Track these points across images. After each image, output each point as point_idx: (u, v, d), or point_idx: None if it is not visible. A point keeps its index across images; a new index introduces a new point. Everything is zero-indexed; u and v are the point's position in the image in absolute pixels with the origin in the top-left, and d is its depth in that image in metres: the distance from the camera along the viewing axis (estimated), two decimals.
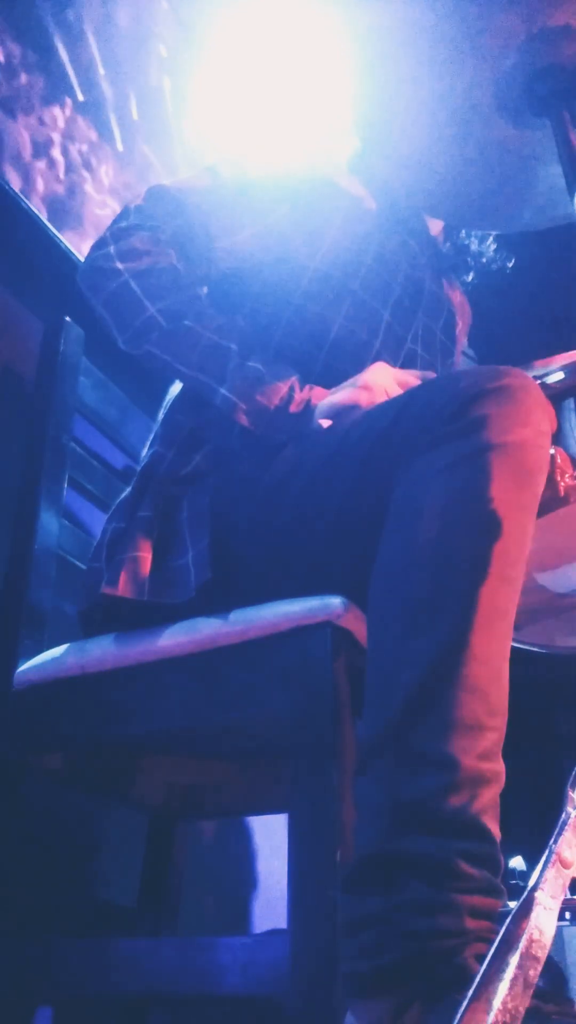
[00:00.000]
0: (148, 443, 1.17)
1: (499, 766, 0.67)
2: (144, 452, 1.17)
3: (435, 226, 1.35)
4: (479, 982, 0.44)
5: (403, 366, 1.15)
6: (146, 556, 0.98)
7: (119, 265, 1.08)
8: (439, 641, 0.69)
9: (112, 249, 1.10)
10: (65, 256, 1.53)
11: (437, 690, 0.67)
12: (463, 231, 1.37)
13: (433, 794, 0.64)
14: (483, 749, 0.66)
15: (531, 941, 0.46)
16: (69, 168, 1.70)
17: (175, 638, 0.96)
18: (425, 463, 0.79)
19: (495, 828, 0.65)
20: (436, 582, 0.72)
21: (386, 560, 0.79)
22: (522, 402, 0.79)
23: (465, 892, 0.61)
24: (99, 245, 1.12)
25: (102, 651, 1.00)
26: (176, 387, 1.19)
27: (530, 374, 0.90)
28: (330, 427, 0.99)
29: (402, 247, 1.26)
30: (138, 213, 1.13)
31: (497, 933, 0.47)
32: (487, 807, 0.65)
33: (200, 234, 1.14)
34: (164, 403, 1.20)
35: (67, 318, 1.31)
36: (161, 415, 1.18)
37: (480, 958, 0.46)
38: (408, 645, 0.70)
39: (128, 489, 1.11)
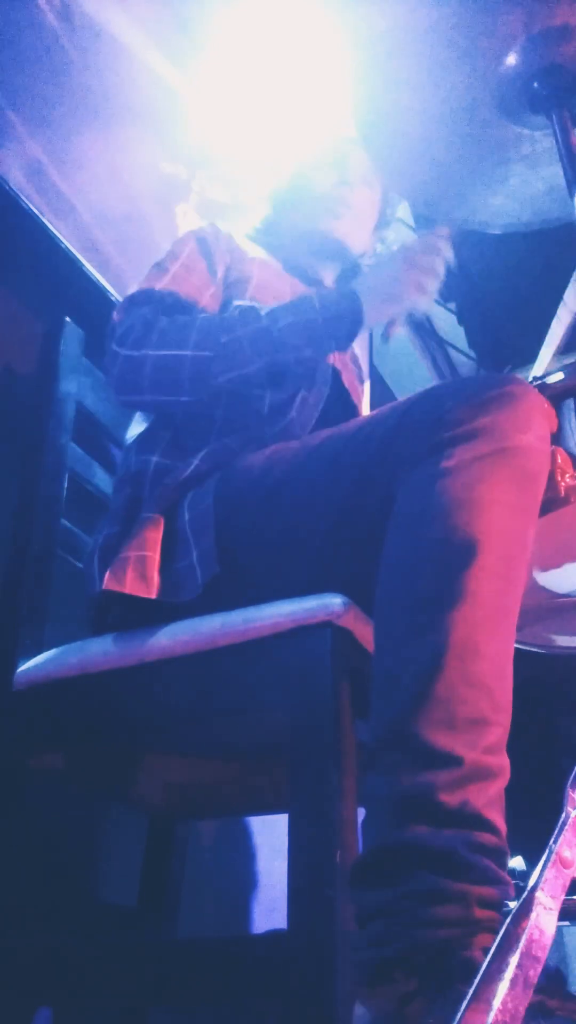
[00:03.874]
0: (131, 450, 1.19)
1: (504, 760, 0.69)
2: (127, 460, 1.18)
3: (327, 278, 1.50)
4: (479, 982, 0.44)
5: (335, 377, 1.29)
6: (154, 556, 0.99)
7: (136, 352, 1.13)
8: (444, 639, 0.70)
9: (118, 348, 1.15)
10: (65, 256, 1.53)
11: (443, 685, 0.69)
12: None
13: (440, 787, 0.65)
14: (488, 744, 0.68)
15: (531, 941, 0.46)
16: None
17: (175, 638, 0.96)
18: (429, 466, 0.81)
19: (500, 821, 0.66)
20: (441, 581, 0.73)
21: (392, 560, 0.80)
22: (523, 408, 0.82)
23: (473, 882, 0.62)
24: (110, 361, 1.16)
25: (102, 651, 1.00)
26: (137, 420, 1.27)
27: (530, 375, 0.91)
28: (333, 430, 1.00)
29: (307, 290, 1.39)
30: (124, 317, 1.18)
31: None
32: (492, 800, 0.66)
33: (174, 306, 1.21)
34: (135, 420, 1.27)
35: (67, 318, 1.31)
36: (140, 428, 1.23)
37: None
38: (414, 642, 0.72)
39: (118, 497, 1.12)
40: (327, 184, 1.47)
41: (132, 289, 1.24)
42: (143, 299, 1.20)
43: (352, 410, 1.36)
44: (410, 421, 0.87)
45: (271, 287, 1.31)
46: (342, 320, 1.13)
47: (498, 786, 0.67)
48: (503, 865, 0.65)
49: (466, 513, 0.76)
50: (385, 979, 0.60)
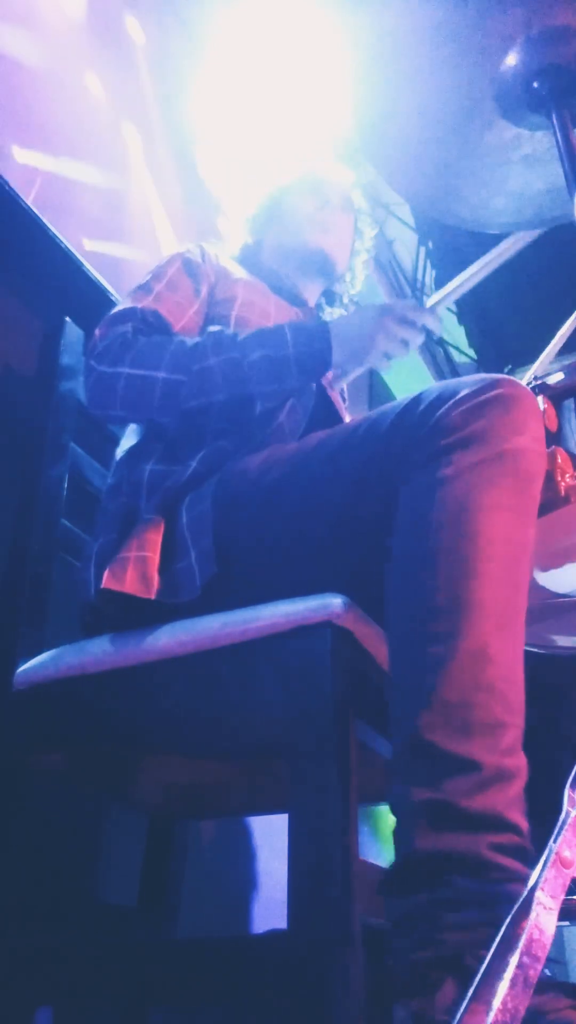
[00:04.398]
0: (124, 461, 1.20)
1: (521, 760, 0.71)
2: (120, 471, 1.19)
3: (312, 298, 1.53)
4: (479, 982, 0.45)
5: (320, 389, 1.32)
6: (154, 557, 0.99)
7: (111, 369, 1.15)
8: (455, 647, 0.73)
9: (95, 364, 1.17)
10: (65, 256, 1.53)
11: (456, 693, 0.71)
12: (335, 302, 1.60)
13: (461, 793, 0.67)
14: (505, 746, 0.70)
15: (531, 941, 0.46)
16: None
17: (175, 638, 0.96)
18: (427, 474, 0.83)
19: (522, 820, 0.68)
20: (448, 590, 0.75)
21: (398, 570, 0.82)
22: (518, 411, 0.83)
23: (501, 882, 0.64)
24: (87, 375, 1.19)
25: (102, 651, 1.00)
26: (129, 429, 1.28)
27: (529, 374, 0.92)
28: (328, 433, 1.01)
29: (291, 309, 1.41)
30: (104, 334, 1.20)
31: (504, 923, 0.47)
32: (513, 801, 0.68)
33: (155, 324, 1.23)
34: (126, 434, 1.27)
35: (67, 318, 1.31)
36: (133, 439, 1.24)
37: None
38: (426, 652, 0.74)
39: (113, 505, 1.12)
40: (309, 206, 1.50)
41: (117, 307, 1.25)
42: (124, 317, 1.21)
43: (336, 420, 1.38)
44: (406, 426, 0.88)
45: (256, 305, 1.33)
46: (310, 362, 1.15)
47: (517, 786, 0.69)
48: (528, 863, 0.67)
49: (468, 521, 0.78)
50: (420, 980, 0.62)
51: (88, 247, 1.66)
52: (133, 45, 2.08)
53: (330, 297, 1.59)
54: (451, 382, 0.88)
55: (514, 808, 0.68)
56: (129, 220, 1.88)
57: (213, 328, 1.25)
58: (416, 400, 0.89)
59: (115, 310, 1.24)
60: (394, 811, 0.72)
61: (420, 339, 1.17)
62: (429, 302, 1.20)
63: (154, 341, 1.17)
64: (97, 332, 1.20)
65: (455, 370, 4.43)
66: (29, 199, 1.47)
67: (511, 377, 0.87)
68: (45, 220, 1.49)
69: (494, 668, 0.72)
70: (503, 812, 0.67)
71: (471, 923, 0.62)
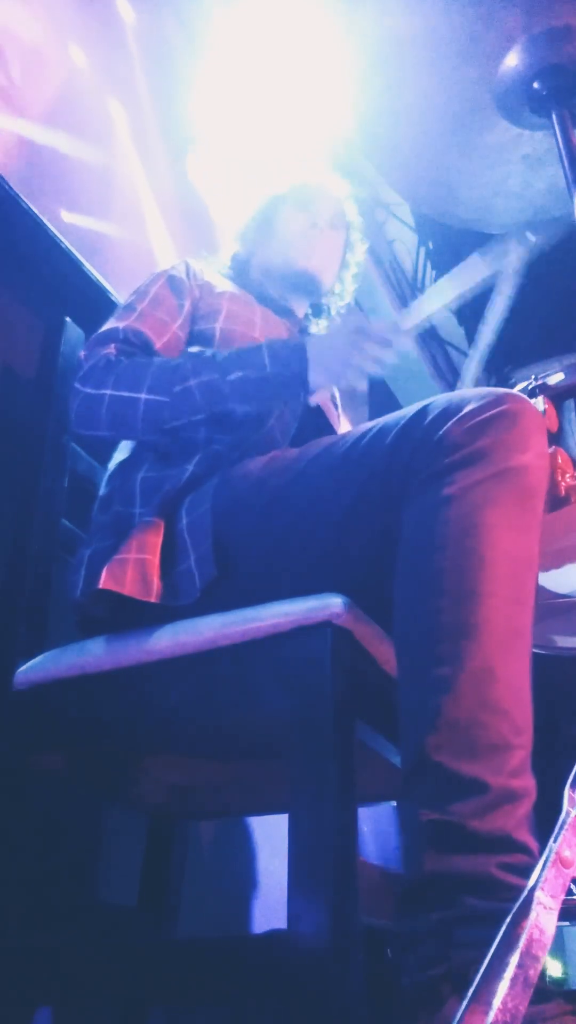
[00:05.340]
0: (116, 474, 1.20)
1: (528, 781, 0.71)
2: (112, 483, 1.19)
3: (299, 310, 1.53)
4: (479, 982, 0.45)
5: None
6: (153, 559, 0.99)
7: (95, 391, 1.16)
8: (462, 667, 0.73)
9: (80, 386, 1.18)
10: (65, 256, 1.53)
11: (462, 713, 0.71)
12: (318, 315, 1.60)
13: (469, 815, 0.68)
14: (512, 767, 0.70)
15: (531, 941, 0.46)
16: None
17: (175, 638, 0.96)
18: (431, 494, 0.83)
19: (530, 840, 0.69)
20: (453, 611, 0.76)
21: (406, 590, 0.82)
22: (522, 427, 0.83)
23: (508, 902, 0.64)
24: (73, 396, 1.19)
25: (102, 651, 1.00)
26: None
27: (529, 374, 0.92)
28: (330, 441, 1.01)
29: (279, 320, 1.41)
30: (89, 355, 1.21)
31: (504, 923, 0.48)
32: (521, 821, 0.69)
33: (139, 344, 1.24)
34: (119, 447, 1.28)
35: (67, 318, 1.31)
36: (125, 452, 1.24)
37: None
38: (433, 673, 0.74)
39: (106, 515, 1.13)
40: (297, 228, 1.50)
41: (102, 328, 1.26)
42: (108, 338, 1.22)
43: (326, 423, 1.39)
44: (410, 440, 0.88)
45: (242, 317, 1.33)
46: (288, 383, 1.14)
47: (525, 807, 0.70)
48: None
49: (472, 540, 0.78)
50: (429, 996, 0.63)
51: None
52: (123, 24, 2.06)
53: (317, 309, 1.60)
54: (456, 396, 0.88)
55: (522, 828, 0.68)
56: (112, 195, 1.86)
57: (194, 349, 1.26)
58: (421, 414, 0.89)
59: (100, 331, 1.25)
60: (403, 829, 0.73)
61: (393, 358, 1.14)
62: (406, 323, 1.18)
63: (137, 362, 1.18)
64: (82, 353, 1.22)
65: (454, 369, 4.43)
66: (12, 168, 1.45)
67: (516, 392, 0.86)
68: (45, 220, 1.49)
69: (500, 687, 0.72)
70: (511, 833, 0.67)
71: (481, 940, 0.62)
